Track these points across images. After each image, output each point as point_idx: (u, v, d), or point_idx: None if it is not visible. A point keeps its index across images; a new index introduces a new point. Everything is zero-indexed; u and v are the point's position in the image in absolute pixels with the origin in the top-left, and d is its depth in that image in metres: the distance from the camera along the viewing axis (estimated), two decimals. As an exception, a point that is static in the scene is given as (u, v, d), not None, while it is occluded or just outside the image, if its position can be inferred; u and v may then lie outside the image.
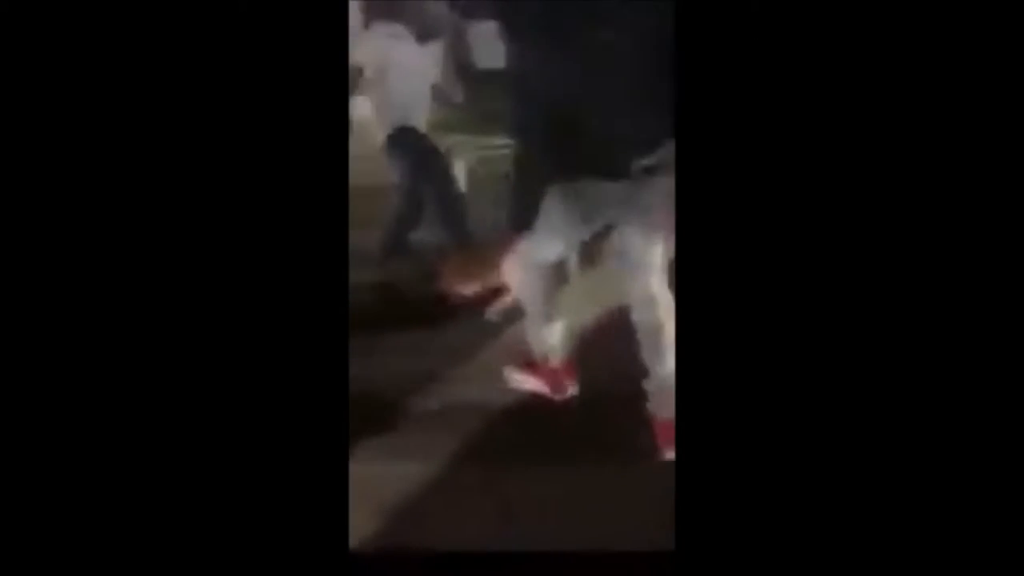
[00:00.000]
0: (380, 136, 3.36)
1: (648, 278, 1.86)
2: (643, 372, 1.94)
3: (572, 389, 2.22)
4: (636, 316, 1.91)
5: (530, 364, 2.24)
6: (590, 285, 2.74)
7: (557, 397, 2.22)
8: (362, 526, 1.71)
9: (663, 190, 1.71)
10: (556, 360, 2.20)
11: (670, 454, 1.87)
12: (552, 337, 2.17)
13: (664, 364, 1.88)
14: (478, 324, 2.70)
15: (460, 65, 3.67)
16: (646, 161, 1.80)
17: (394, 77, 3.27)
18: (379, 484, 1.88)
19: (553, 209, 1.85)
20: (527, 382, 2.26)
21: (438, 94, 3.49)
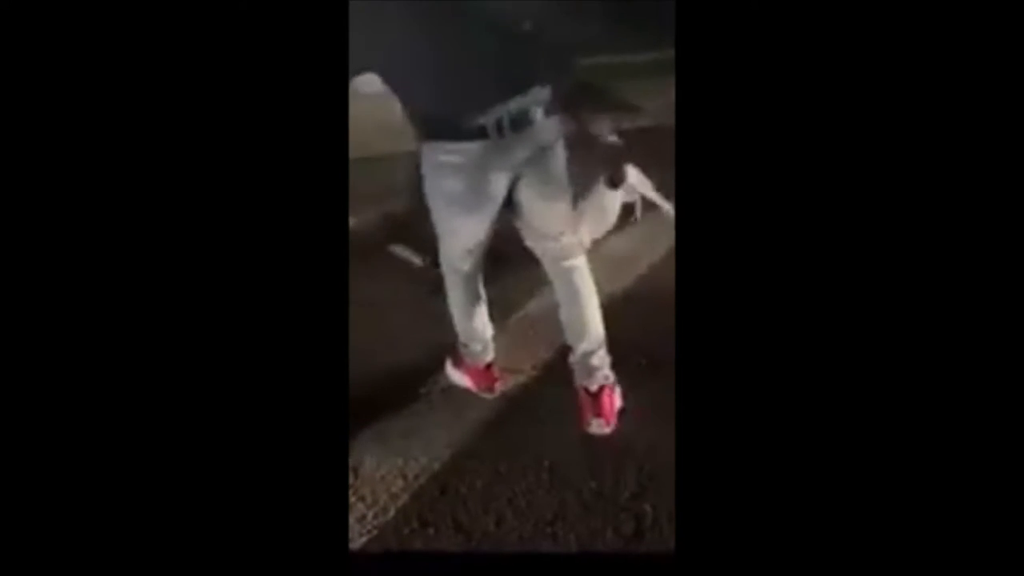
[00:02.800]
0: None
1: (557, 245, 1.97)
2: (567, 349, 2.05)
3: (500, 386, 2.23)
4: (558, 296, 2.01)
5: (463, 362, 2.24)
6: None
7: (488, 395, 2.22)
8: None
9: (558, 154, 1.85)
10: (484, 359, 2.20)
11: (597, 425, 1.99)
12: (481, 334, 2.17)
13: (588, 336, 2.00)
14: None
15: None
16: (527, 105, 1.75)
17: None
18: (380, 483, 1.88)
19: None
20: (463, 379, 2.27)
21: None
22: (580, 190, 2.50)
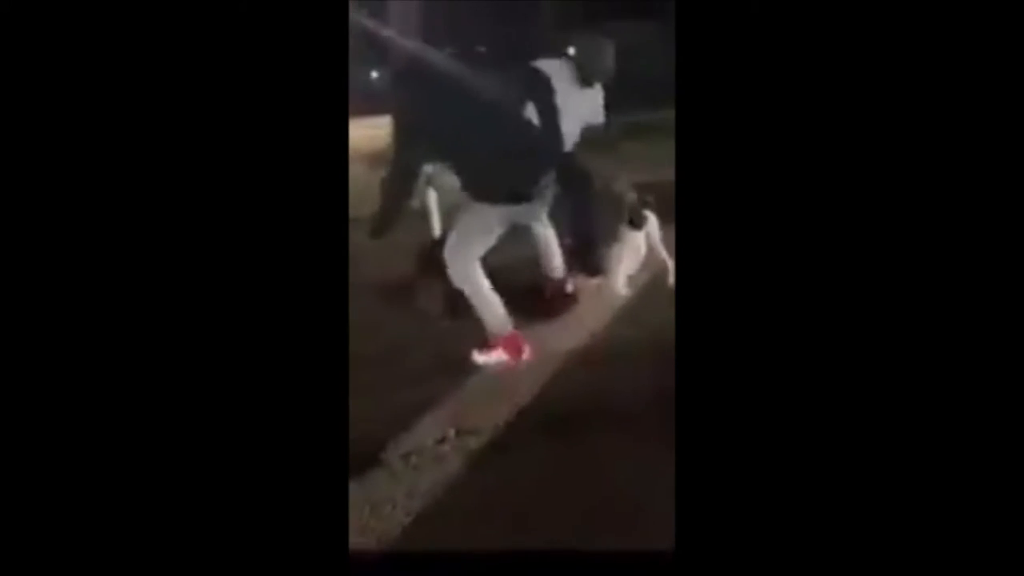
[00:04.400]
0: None
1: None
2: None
3: (527, 352, 2.65)
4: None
5: (489, 343, 2.64)
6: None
7: (518, 361, 2.63)
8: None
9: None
10: (508, 327, 2.65)
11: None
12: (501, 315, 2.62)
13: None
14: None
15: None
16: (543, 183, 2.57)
17: None
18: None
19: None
20: (498, 355, 2.64)
21: None
22: (612, 237, 3.26)
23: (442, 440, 2.11)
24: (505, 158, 2.46)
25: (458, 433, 2.13)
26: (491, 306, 2.60)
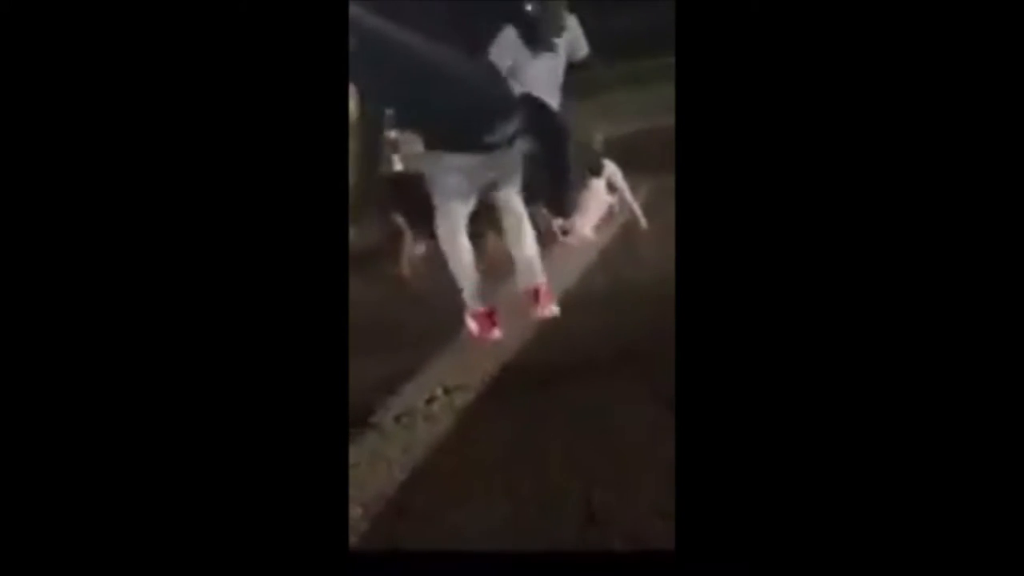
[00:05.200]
0: None
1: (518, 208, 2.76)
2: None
3: (496, 333, 2.67)
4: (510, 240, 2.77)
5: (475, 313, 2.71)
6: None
7: (484, 340, 2.66)
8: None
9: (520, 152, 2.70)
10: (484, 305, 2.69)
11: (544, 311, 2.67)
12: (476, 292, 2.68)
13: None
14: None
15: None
16: (509, 130, 2.57)
17: None
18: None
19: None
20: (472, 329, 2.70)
21: None
22: (576, 188, 3.43)
23: (431, 400, 2.19)
24: (462, 111, 2.53)
25: (446, 391, 2.23)
26: (466, 278, 2.66)
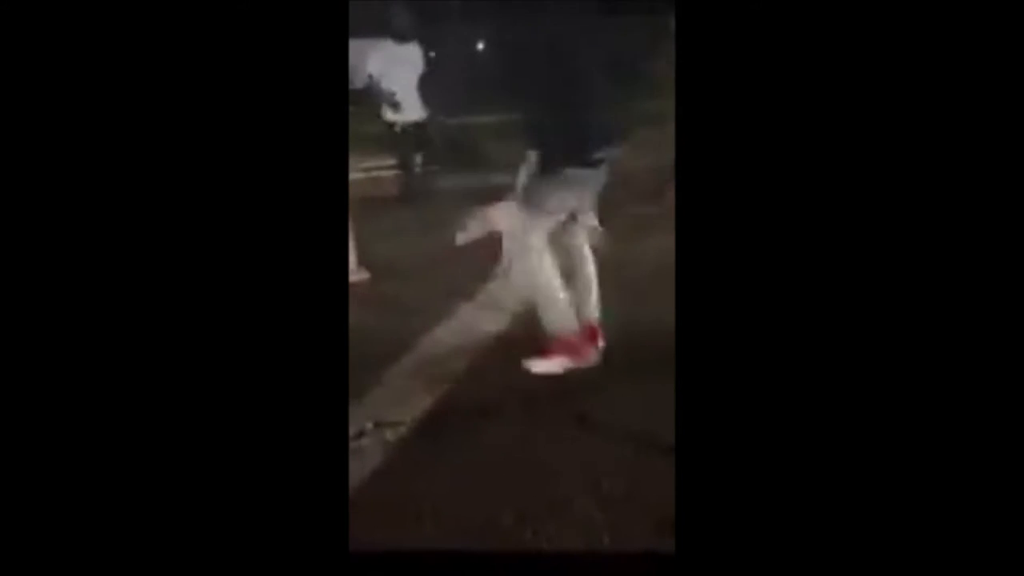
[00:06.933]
0: None
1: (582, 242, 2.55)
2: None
3: (594, 354, 2.45)
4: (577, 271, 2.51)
5: (546, 348, 2.44)
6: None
7: (583, 364, 2.43)
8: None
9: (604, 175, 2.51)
10: (573, 332, 2.42)
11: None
12: (567, 313, 2.42)
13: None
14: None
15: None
16: (599, 154, 2.42)
17: None
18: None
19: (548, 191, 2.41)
20: (552, 364, 2.43)
21: None
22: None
23: (360, 434, 2.11)
24: (581, 127, 2.40)
25: (376, 426, 2.14)
26: (556, 297, 2.38)
